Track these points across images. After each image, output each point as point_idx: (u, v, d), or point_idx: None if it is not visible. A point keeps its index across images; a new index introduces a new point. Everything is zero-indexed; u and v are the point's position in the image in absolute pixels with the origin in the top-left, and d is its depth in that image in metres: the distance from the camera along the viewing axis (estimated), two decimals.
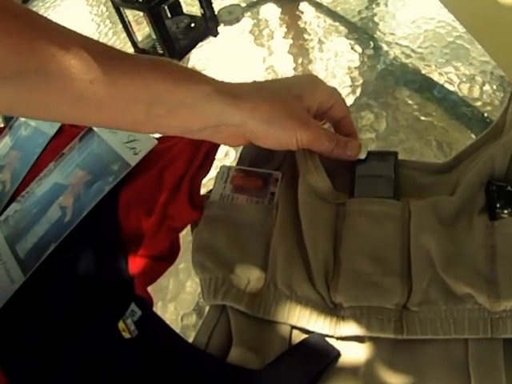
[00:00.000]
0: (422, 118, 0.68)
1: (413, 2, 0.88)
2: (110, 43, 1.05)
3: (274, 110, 0.38)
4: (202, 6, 0.84)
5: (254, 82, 0.41)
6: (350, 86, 0.73)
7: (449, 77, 0.72)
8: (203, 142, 0.45)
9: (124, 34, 0.95)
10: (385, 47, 0.80)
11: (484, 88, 0.68)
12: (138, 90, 0.36)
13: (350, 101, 0.68)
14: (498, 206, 0.39)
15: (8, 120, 0.68)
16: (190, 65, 0.87)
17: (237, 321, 0.38)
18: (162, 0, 0.77)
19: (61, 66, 0.33)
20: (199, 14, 0.89)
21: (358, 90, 0.73)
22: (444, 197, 0.40)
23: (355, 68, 0.77)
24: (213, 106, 0.37)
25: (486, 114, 0.64)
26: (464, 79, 0.71)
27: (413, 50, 0.77)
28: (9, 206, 0.56)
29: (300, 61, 0.80)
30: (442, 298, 0.36)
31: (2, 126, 0.68)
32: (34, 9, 1.31)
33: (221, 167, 0.47)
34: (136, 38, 0.90)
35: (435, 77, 0.73)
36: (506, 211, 0.38)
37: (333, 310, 0.38)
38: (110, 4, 0.89)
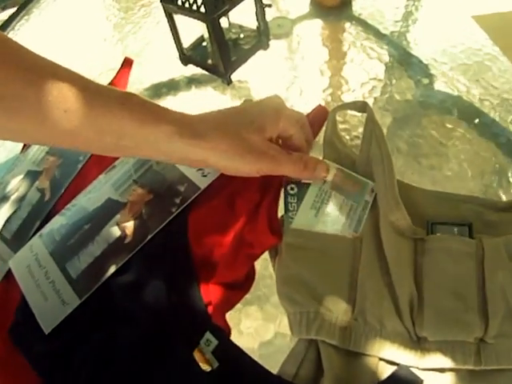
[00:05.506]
0: (450, 141, 0.66)
1: (442, 18, 0.86)
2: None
3: (233, 148, 0.39)
4: (257, 19, 0.79)
5: (217, 116, 0.41)
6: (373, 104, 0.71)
7: (480, 98, 0.71)
8: None
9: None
10: (415, 64, 0.78)
11: None
12: (107, 124, 0.37)
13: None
14: None
15: None
16: (234, 77, 0.83)
17: (327, 353, 0.37)
18: (224, 12, 0.72)
19: (37, 93, 0.34)
20: (252, 27, 0.83)
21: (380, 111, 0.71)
22: None
23: (380, 85, 0.75)
24: (175, 147, 0.39)
25: None
26: (498, 101, 0.70)
27: (443, 73, 0.76)
28: (49, 216, 0.51)
29: (335, 79, 0.78)
30: None
31: None
32: (39, 7, 1.17)
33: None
34: (182, 45, 0.83)
35: (463, 95, 0.72)
36: None
37: (416, 343, 0.38)
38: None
